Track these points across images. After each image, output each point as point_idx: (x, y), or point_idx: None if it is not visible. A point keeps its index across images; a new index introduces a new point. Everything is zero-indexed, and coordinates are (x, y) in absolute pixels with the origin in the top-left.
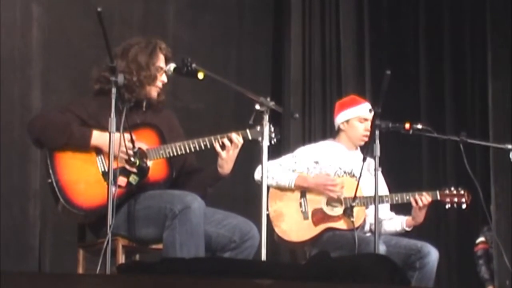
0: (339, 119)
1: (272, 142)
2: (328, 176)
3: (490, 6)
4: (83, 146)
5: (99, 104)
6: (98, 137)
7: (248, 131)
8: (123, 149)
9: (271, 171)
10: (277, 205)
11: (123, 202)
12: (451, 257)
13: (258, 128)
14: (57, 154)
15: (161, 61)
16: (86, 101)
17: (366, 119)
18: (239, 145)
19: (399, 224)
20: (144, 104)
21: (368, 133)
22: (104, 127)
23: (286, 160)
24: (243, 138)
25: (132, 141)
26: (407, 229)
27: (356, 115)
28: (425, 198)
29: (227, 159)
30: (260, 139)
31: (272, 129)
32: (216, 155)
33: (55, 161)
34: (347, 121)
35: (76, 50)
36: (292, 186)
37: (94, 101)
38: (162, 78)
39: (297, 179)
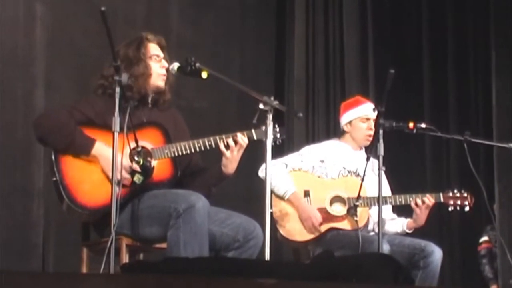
0: (343, 120)
1: (278, 142)
2: (317, 215)
3: (493, 5)
4: (83, 155)
5: (105, 102)
6: (99, 150)
7: (253, 131)
8: (125, 169)
9: (274, 174)
10: (282, 205)
11: (127, 201)
12: (455, 256)
13: (263, 128)
14: (63, 153)
15: (152, 49)
16: (93, 100)
17: (368, 119)
18: (244, 146)
19: (400, 225)
20: (150, 99)
21: (372, 132)
22: (109, 127)
23: (292, 158)
24: (248, 138)
25: (135, 140)
26: (408, 231)
27: (358, 116)
28: (427, 199)
29: (231, 159)
30: (264, 139)
31: (278, 128)
32: (219, 154)
33: (60, 160)
34: (350, 122)
35: (80, 49)
36: (285, 198)
37: (100, 99)
38: (163, 64)
39: (292, 194)
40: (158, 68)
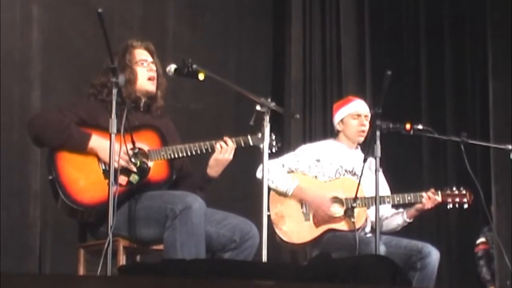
0: (335, 120)
1: (273, 150)
2: (326, 200)
3: (490, 6)
4: (80, 149)
5: (99, 104)
6: (96, 142)
7: (249, 137)
8: (124, 155)
9: (273, 173)
10: (278, 209)
11: (123, 202)
12: (452, 258)
13: (259, 135)
14: (59, 152)
15: (139, 55)
16: (86, 101)
17: (359, 115)
18: (232, 150)
19: (400, 217)
20: (142, 104)
21: (364, 128)
22: (102, 127)
23: (288, 159)
24: (245, 144)
25: (132, 141)
26: (408, 220)
27: (348, 113)
28: (433, 194)
29: (218, 162)
30: (261, 146)
31: (274, 137)
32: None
33: (56, 158)
34: (341, 121)
35: (76, 51)
36: (289, 194)
37: (94, 102)
38: (151, 68)
39: (295, 188)
40: (145, 72)
